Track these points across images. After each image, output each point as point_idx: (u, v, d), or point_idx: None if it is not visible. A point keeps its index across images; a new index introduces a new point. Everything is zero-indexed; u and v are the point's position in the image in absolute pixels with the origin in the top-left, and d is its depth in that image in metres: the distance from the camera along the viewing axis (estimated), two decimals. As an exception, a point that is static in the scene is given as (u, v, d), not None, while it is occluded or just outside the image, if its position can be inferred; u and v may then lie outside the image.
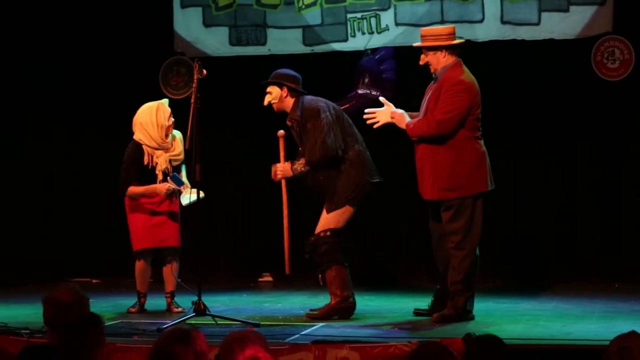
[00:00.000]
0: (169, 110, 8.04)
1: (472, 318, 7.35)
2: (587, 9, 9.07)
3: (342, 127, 7.61)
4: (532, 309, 8.05)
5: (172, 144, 8.08)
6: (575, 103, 9.59)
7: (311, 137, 7.54)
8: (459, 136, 7.23)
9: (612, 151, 9.67)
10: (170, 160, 8.06)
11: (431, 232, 7.57)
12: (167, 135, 8.02)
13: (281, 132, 7.78)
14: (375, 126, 7.51)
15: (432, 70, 7.40)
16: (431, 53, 7.33)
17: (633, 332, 4.03)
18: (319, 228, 7.60)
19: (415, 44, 7.56)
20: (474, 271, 7.32)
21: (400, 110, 7.51)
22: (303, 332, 6.76)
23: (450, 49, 7.33)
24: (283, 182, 7.74)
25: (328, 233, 7.52)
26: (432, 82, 7.45)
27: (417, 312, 7.64)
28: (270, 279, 10.36)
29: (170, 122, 8.03)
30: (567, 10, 9.10)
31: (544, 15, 9.15)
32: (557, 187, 9.81)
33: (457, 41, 7.38)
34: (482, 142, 7.38)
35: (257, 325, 6.96)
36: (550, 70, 9.57)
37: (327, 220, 7.60)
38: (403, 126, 7.39)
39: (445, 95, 7.22)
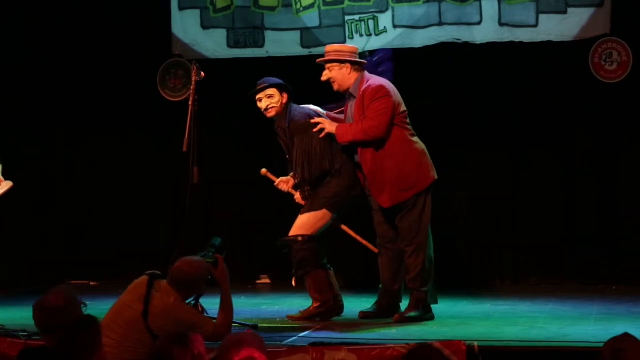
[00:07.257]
0: None
1: (432, 317, 7.44)
2: (584, 10, 9.05)
3: (331, 137, 7.57)
4: (529, 311, 8.05)
5: None
6: (573, 105, 9.60)
7: (304, 154, 7.55)
8: (397, 139, 7.43)
9: (610, 154, 9.67)
10: None
11: (379, 236, 7.66)
12: None
13: (263, 170, 7.87)
14: (321, 135, 7.55)
15: (335, 88, 7.57)
16: (337, 68, 7.51)
17: (626, 335, 4.03)
18: (294, 230, 7.60)
19: (319, 60, 7.64)
20: (430, 264, 7.46)
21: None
22: (301, 335, 6.77)
23: (356, 64, 7.55)
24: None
25: (300, 239, 7.53)
26: (348, 100, 7.61)
27: (364, 315, 7.66)
28: (268, 281, 10.36)
29: None
30: (564, 12, 9.08)
31: (542, 17, 9.14)
32: (556, 189, 9.81)
33: (361, 60, 7.65)
34: (417, 138, 7.55)
35: (255, 328, 6.97)
36: (548, 72, 9.58)
37: (302, 222, 7.59)
38: (334, 130, 7.51)
39: (370, 102, 7.41)
